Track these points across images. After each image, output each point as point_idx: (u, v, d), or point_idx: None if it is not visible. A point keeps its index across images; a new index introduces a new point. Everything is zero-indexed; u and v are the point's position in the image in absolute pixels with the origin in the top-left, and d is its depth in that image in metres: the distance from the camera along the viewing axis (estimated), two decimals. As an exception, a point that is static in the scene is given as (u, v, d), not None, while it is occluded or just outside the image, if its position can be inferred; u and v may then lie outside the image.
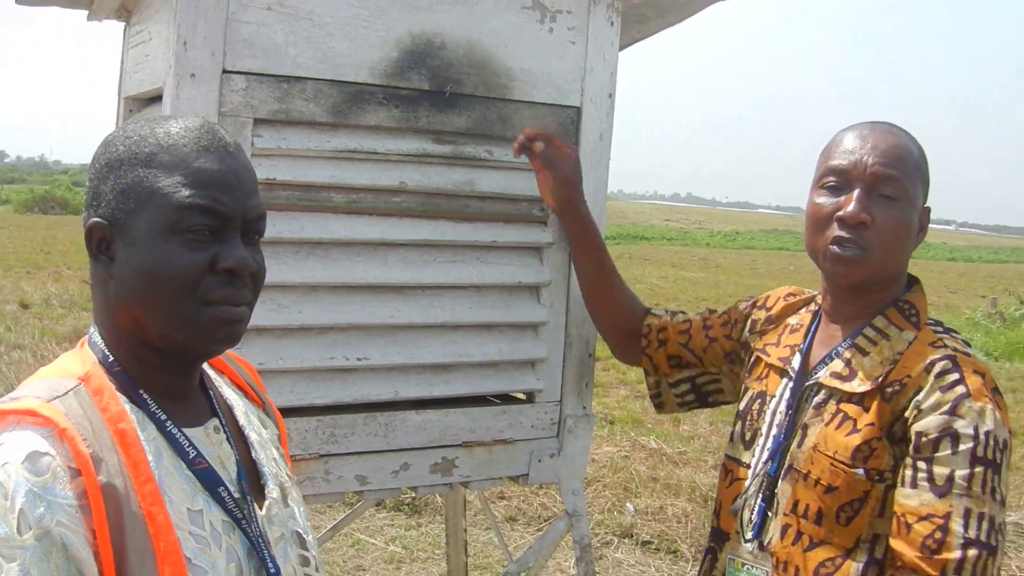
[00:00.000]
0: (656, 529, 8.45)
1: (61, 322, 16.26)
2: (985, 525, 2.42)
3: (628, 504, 8.95)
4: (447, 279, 3.41)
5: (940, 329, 2.76)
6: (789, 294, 3.16)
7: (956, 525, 2.41)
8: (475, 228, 3.47)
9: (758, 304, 3.20)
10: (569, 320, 3.67)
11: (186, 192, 1.81)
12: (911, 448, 2.53)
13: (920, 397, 2.54)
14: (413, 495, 8.44)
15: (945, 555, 2.40)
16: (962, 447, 2.46)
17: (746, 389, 3.03)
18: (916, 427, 2.52)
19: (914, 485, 2.49)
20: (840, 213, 2.67)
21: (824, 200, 2.74)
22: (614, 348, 3.56)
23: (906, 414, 2.57)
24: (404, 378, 3.38)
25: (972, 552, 2.39)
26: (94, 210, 1.89)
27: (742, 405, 3.00)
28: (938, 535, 2.42)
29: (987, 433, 2.47)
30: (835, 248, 2.68)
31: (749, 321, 3.17)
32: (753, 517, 2.82)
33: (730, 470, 2.97)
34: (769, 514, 2.78)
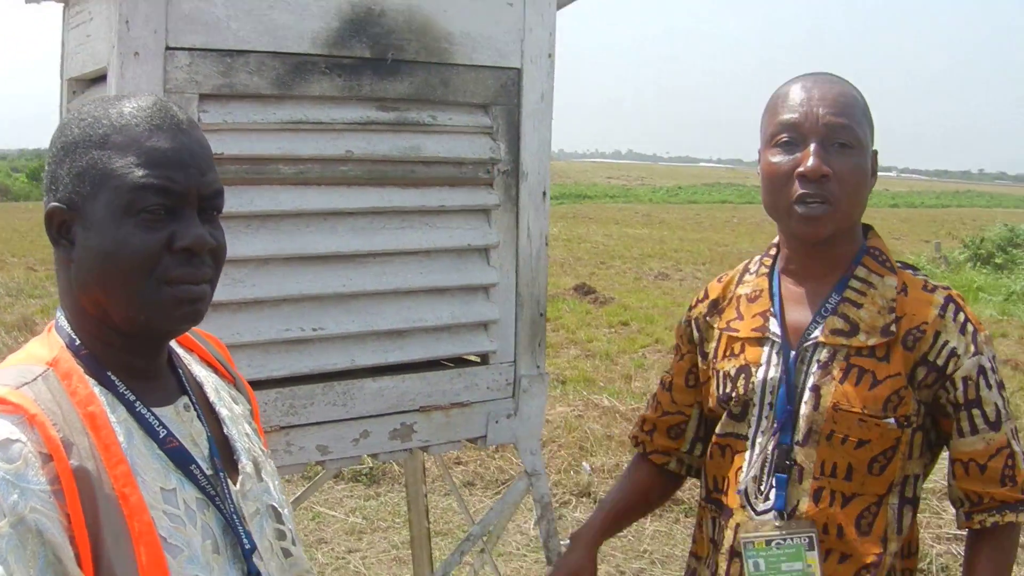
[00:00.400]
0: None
1: (8, 311, 16.08)
2: (1017, 434, 2.79)
3: (584, 463, 9.02)
4: (397, 245, 3.44)
5: (910, 269, 2.87)
6: (718, 279, 3.14)
7: (1016, 446, 2.74)
8: (422, 193, 3.49)
9: (692, 306, 3.15)
10: (519, 280, 3.70)
11: (139, 172, 1.80)
12: (960, 395, 2.70)
13: (953, 344, 2.71)
14: (370, 465, 8.51)
15: (1020, 477, 2.72)
16: (991, 379, 2.73)
17: (716, 371, 2.96)
18: (960, 374, 2.71)
19: (974, 432, 2.72)
20: (801, 169, 2.65)
21: (780, 158, 2.71)
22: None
23: (933, 359, 2.71)
24: (360, 346, 3.41)
25: None
26: (53, 195, 1.88)
27: (721, 389, 2.92)
28: (1010, 462, 2.72)
29: (994, 357, 2.78)
30: (801, 206, 2.67)
31: (693, 324, 3.11)
32: (763, 489, 2.79)
33: (726, 446, 2.92)
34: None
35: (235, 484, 2.01)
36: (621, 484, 3.31)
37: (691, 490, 8.19)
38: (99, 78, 3.39)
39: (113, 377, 1.88)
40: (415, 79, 3.40)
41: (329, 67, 3.24)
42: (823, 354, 2.74)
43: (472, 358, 3.75)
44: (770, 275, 2.93)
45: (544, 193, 3.71)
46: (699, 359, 3.08)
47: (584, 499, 8.47)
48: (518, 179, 3.64)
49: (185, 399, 2.00)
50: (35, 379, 1.80)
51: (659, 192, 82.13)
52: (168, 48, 2.97)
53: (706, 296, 3.10)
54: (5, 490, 1.61)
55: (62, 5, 3.97)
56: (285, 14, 3.15)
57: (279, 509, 2.11)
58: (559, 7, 3.73)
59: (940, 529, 7.67)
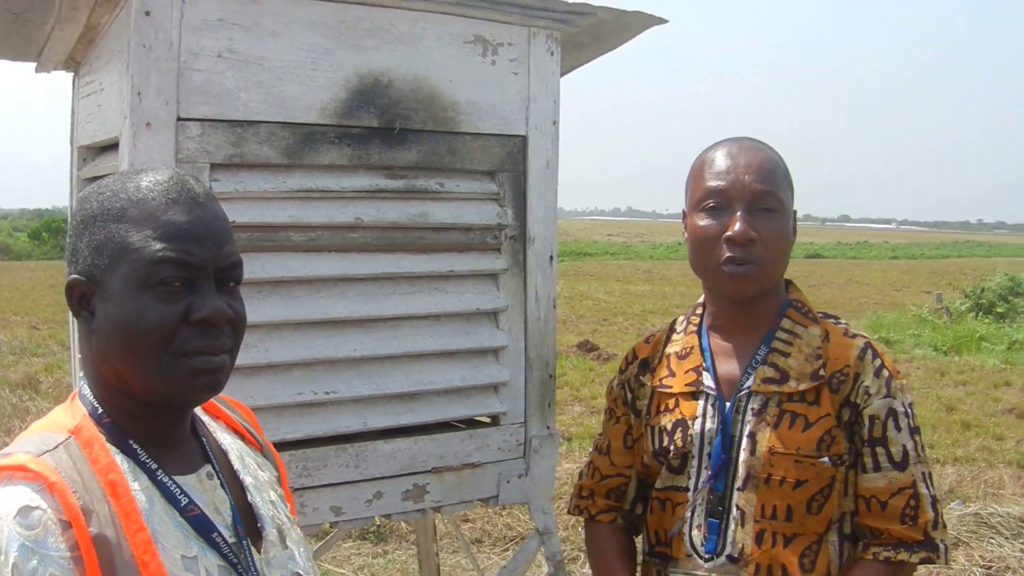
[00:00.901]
0: (622, 542, 8.42)
1: (12, 369, 15.89)
2: (932, 480, 2.86)
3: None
4: (407, 310, 3.48)
5: (831, 319, 2.98)
6: (646, 339, 3.21)
7: (922, 489, 2.80)
8: (431, 259, 3.53)
9: (623, 369, 3.20)
10: (528, 343, 3.74)
11: (156, 246, 1.83)
12: (865, 432, 2.80)
13: (867, 383, 2.81)
14: (378, 523, 8.44)
15: (923, 518, 2.77)
16: (902, 423, 2.81)
17: (651, 428, 3.02)
18: (868, 411, 2.81)
19: (877, 468, 2.80)
20: (728, 234, 2.77)
21: (707, 222, 2.83)
22: None
23: (853, 399, 2.81)
24: (372, 409, 3.44)
25: (937, 506, 2.82)
26: (73, 267, 1.91)
27: (657, 444, 2.97)
28: (912, 503, 2.77)
29: (910, 404, 2.86)
30: (729, 267, 2.79)
31: (626, 385, 3.16)
32: (699, 535, 2.85)
33: (666, 499, 2.97)
34: (728, 527, 2.82)
35: (259, 552, 2.02)
36: (602, 559, 3.19)
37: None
38: (110, 146, 3.43)
39: (135, 445, 1.90)
40: (423, 147, 3.46)
41: (338, 136, 3.30)
42: (756, 402, 2.84)
43: (483, 419, 3.78)
44: (699, 332, 3.03)
45: (551, 257, 3.76)
46: (632, 418, 3.13)
47: (592, 556, 8.39)
48: (525, 244, 3.69)
49: (208, 467, 2.02)
50: (56, 447, 1.82)
51: (660, 248, 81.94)
52: (180, 119, 3.03)
53: (635, 357, 3.17)
54: (24, 556, 1.64)
55: (72, 74, 4.02)
56: (294, 85, 3.21)
57: None
58: (561, 74, 3.78)
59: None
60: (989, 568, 7.86)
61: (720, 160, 2.86)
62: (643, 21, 3.93)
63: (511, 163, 3.66)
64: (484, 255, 3.65)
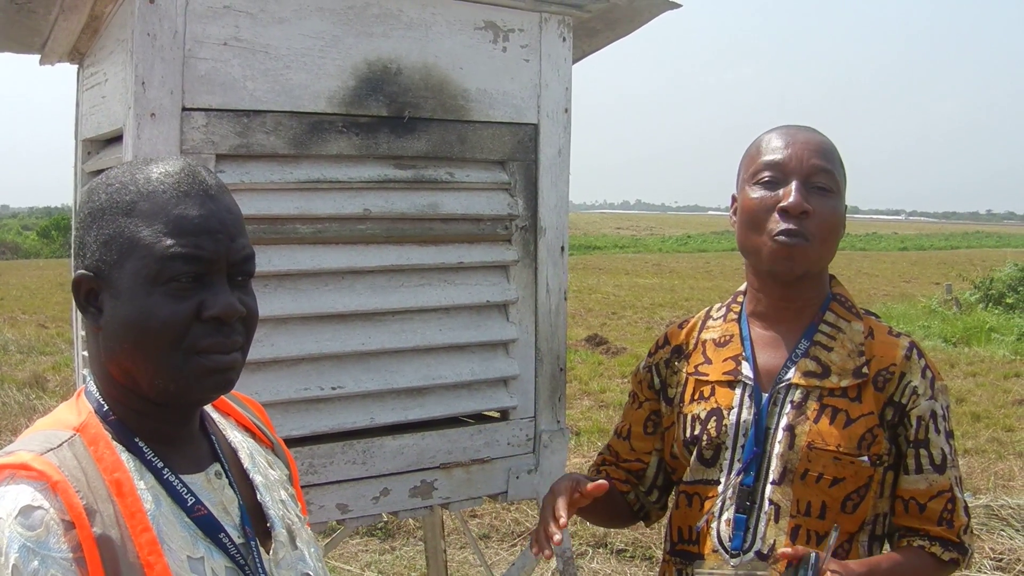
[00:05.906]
0: (630, 537, 8.43)
1: (20, 368, 15.94)
2: (962, 484, 2.87)
3: (601, 514, 8.92)
4: (416, 303, 3.42)
5: (873, 316, 2.97)
6: (681, 323, 3.16)
7: (957, 492, 2.81)
8: (440, 250, 3.48)
9: (652, 352, 3.17)
10: (539, 336, 3.69)
11: (167, 241, 1.77)
12: (912, 433, 2.79)
13: (915, 384, 2.80)
14: (385, 519, 8.42)
15: (958, 522, 2.80)
16: (941, 425, 2.81)
17: (683, 415, 2.96)
18: (915, 412, 2.79)
19: (919, 471, 2.79)
20: (783, 204, 2.73)
21: (762, 193, 2.79)
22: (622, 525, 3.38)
23: (898, 399, 2.78)
24: (379, 404, 3.39)
25: (968, 511, 2.85)
26: (80, 261, 1.86)
27: (688, 432, 2.92)
28: (949, 506, 2.79)
29: (947, 407, 2.86)
30: (781, 238, 2.73)
31: (653, 370, 3.12)
32: (727, 530, 2.80)
33: (695, 494, 2.92)
34: (759, 522, 2.78)
35: (268, 552, 1.98)
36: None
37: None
38: (115, 139, 3.39)
39: (141, 444, 1.86)
40: (432, 136, 3.40)
41: (346, 126, 3.24)
42: (797, 395, 2.80)
43: (492, 414, 3.73)
44: (739, 320, 2.99)
45: (563, 248, 3.70)
46: (662, 405, 3.09)
47: (601, 549, 8.38)
48: (536, 235, 3.64)
49: (217, 466, 1.98)
50: (60, 445, 1.78)
51: (668, 241, 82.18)
52: (185, 109, 2.98)
53: (667, 342, 3.13)
54: (25, 557, 1.60)
55: (76, 66, 3.98)
56: (301, 74, 3.15)
57: None
58: (573, 61, 3.73)
59: None
60: (1000, 560, 7.85)
61: (778, 138, 2.84)
62: (656, 6, 3.87)
63: (522, 152, 3.60)
64: (494, 246, 3.59)
